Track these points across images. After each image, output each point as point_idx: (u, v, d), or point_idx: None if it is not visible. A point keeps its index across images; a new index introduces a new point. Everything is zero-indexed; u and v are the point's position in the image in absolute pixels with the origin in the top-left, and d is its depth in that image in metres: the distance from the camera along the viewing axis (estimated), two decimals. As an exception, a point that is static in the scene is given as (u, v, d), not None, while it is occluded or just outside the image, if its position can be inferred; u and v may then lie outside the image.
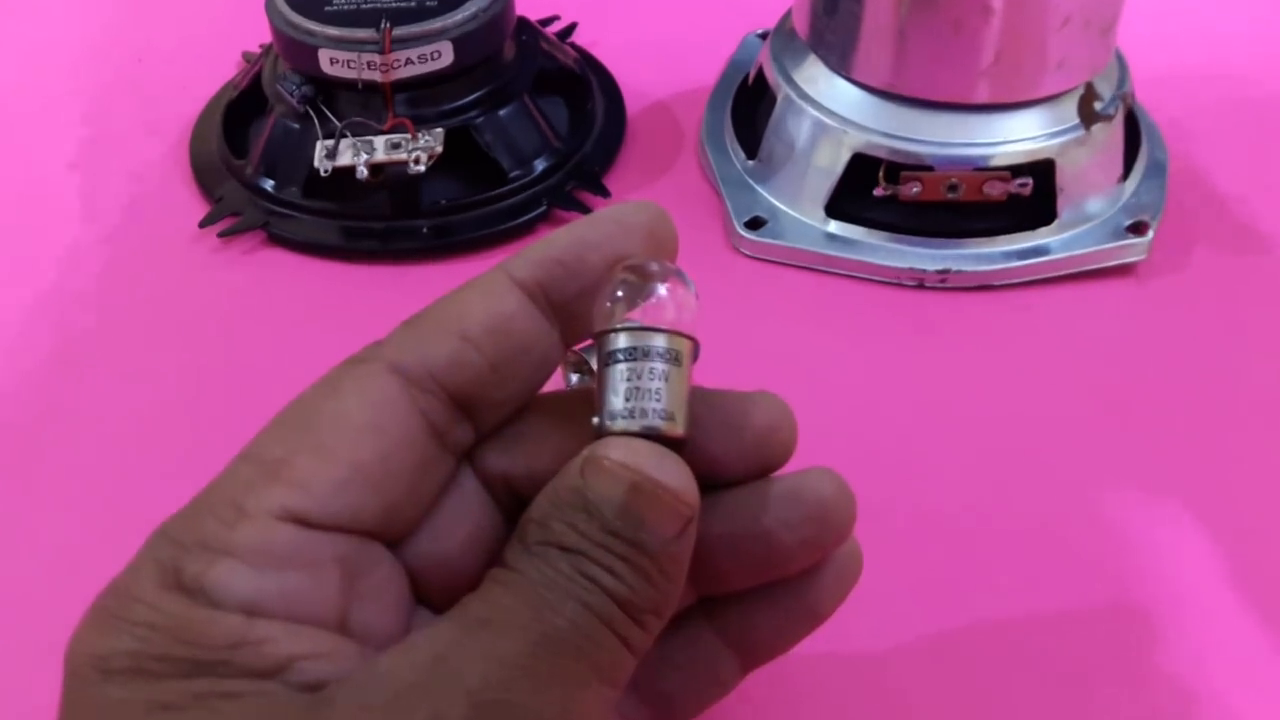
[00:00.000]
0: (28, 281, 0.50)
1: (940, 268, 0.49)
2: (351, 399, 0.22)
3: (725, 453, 0.24)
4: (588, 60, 0.61)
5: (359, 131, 0.50)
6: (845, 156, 0.50)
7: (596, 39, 0.63)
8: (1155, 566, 0.38)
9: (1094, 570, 0.38)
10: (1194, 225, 0.51)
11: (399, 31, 0.49)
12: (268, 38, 0.53)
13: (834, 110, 0.50)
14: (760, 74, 0.55)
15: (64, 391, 0.45)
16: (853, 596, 0.26)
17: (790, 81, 0.52)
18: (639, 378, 0.22)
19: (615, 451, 0.22)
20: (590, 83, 0.59)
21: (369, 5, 0.51)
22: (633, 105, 0.59)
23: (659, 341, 0.22)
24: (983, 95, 0.48)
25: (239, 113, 0.57)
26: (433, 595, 0.24)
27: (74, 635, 0.21)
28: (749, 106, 0.56)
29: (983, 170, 0.49)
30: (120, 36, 0.66)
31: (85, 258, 0.52)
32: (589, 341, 0.24)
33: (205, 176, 0.56)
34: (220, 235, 0.52)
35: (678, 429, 0.23)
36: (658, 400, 0.22)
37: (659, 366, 0.22)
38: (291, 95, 0.52)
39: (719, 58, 0.61)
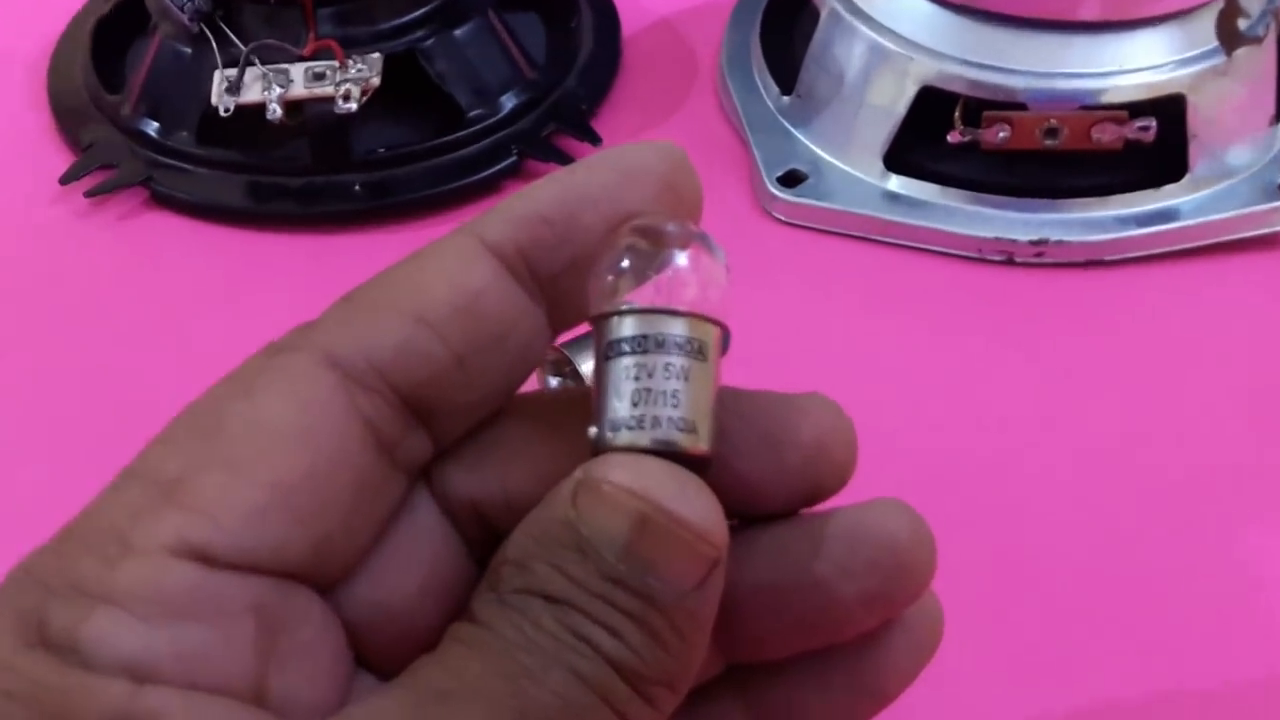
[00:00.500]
0: None
1: (1035, 237, 0.49)
2: (271, 400, 0.22)
3: (763, 475, 0.24)
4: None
5: (270, 58, 0.50)
6: (910, 91, 0.50)
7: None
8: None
9: (1262, 639, 0.38)
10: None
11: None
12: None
13: (896, 30, 0.50)
14: (798, -17, 0.55)
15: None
16: (929, 672, 0.26)
17: (838, -8, 0.52)
18: (650, 376, 0.22)
19: (618, 473, 0.21)
20: (575, -7, 0.59)
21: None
22: (630, 23, 0.59)
23: (677, 328, 0.22)
24: (1092, 10, 0.48)
25: (112, 33, 0.57)
26: (377, 656, 0.23)
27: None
28: (784, 25, 0.56)
29: (1091, 109, 0.48)
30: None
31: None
32: (581, 329, 0.24)
33: (68, 118, 0.55)
34: (88, 194, 0.52)
35: (700, 444, 0.22)
36: (674, 406, 0.22)
37: (676, 362, 0.22)
38: (181, 9, 0.51)
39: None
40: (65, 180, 0.53)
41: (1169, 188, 0.50)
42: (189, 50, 0.53)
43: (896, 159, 0.51)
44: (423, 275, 0.23)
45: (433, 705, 0.21)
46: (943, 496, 0.33)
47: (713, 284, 0.23)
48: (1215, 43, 0.49)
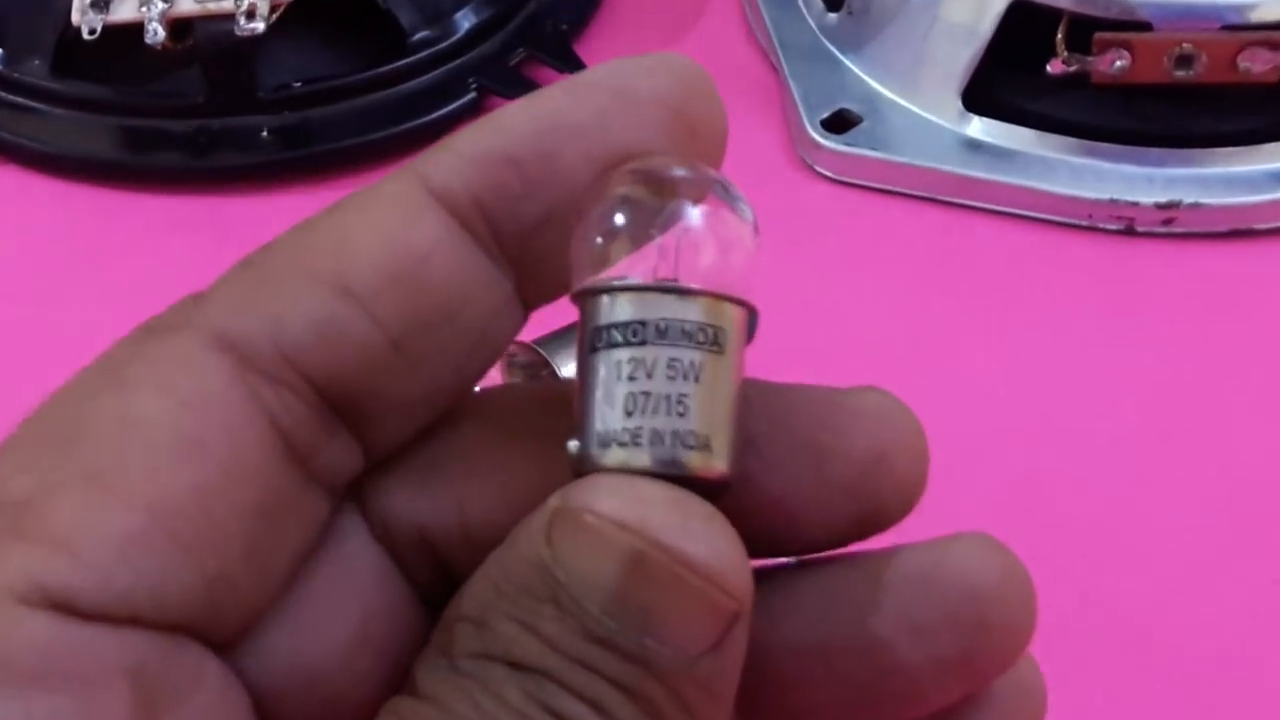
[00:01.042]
0: None
1: (1164, 199, 0.49)
2: (147, 395, 0.22)
3: (803, 497, 0.24)
4: None
5: (151, -39, 0.51)
6: (999, 6, 0.50)
7: None
8: None
9: None
10: None
11: None
12: None
13: (978, -76, 0.51)
14: None
15: None
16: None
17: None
18: (649, 376, 0.22)
19: (605, 500, 0.21)
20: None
21: None
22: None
23: (686, 311, 0.22)
24: (1238, -103, 0.48)
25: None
26: (294, 735, 0.25)
27: None
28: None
29: (1237, 29, 0.49)
30: None
31: None
32: (570, 319, 0.24)
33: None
34: (-92, 142, 0.52)
35: (715, 464, 0.22)
36: (681, 415, 0.22)
37: (685, 356, 0.22)
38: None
39: None
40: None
41: (1340, 134, 0.50)
42: (41, -48, 0.53)
43: (979, 96, 0.51)
44: (348, 232, 0.23)
45: (363, 808, 0.21)
46: (1041, 531, 0.33)
47: (735, 250, 0.23)
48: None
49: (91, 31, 0.50)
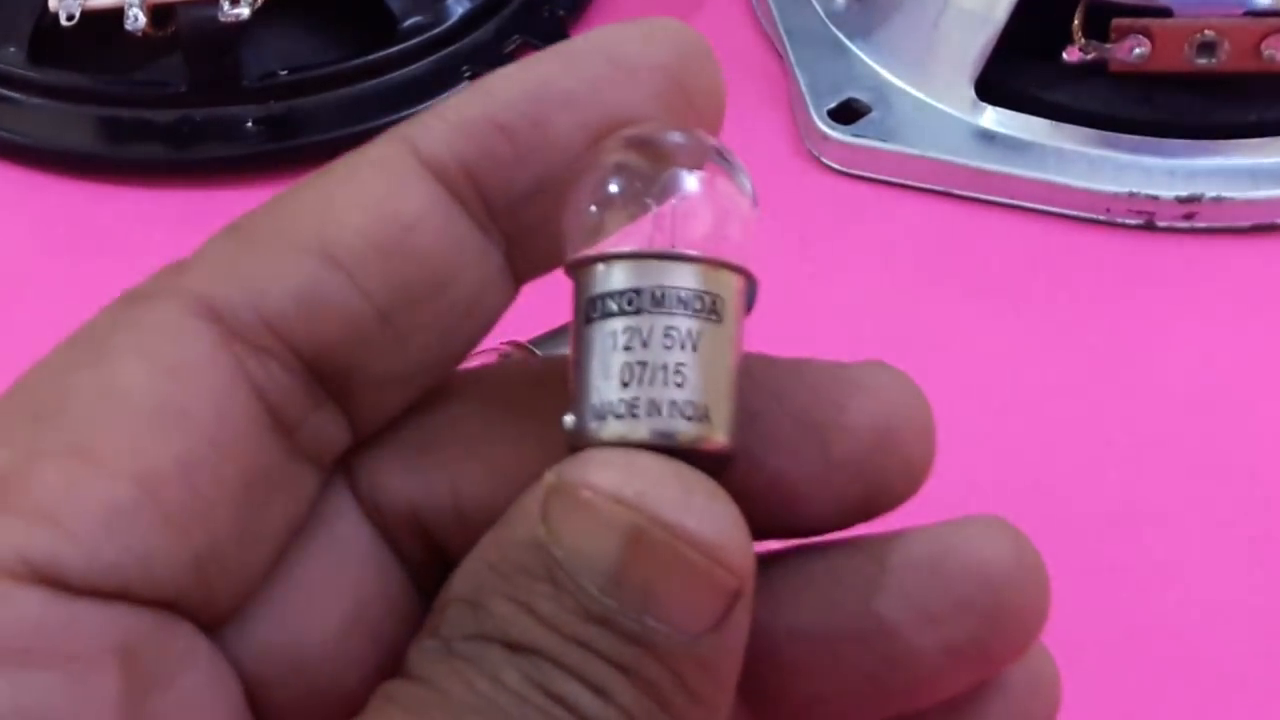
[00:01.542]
0: None
1: (1185, 193, 0.49)
2: (130, 364, 0.22)
3: (806, 474, 0.24)
4: None
5: (132, -56, 0.51)
6: (1012, -10, 0.50)
7: None
8: None
9: None
10: None
11: None
12: None
13: (992, -94, 0.51)
14: None
15: None
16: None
17: None
18: (646, 345, 0.22)
19: (602, 474, 0.22)
20: None
21: None
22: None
23: (683, 279, 0.22)
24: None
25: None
26: (282, 718, 0.24)
27: None
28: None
29: (1261, 15, 0.49)
30: None
31: None
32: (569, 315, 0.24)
33: None
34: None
35: (715, 435, 0.22)
36: (679, 385, 0.22)
37: (683, 325, 0.22)
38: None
39: None
40: None
41: (1370, 125, 0.50)
42: (17, -65, 0.53)
43: (992, 85, 0.51)
44: (334, 199, 0.23)
45: (357, 794, 0.21)
46: (1054, 527, 0.33)
47: (733, 217, 0.23)
48: None
49: (69, 17, 0.50)
